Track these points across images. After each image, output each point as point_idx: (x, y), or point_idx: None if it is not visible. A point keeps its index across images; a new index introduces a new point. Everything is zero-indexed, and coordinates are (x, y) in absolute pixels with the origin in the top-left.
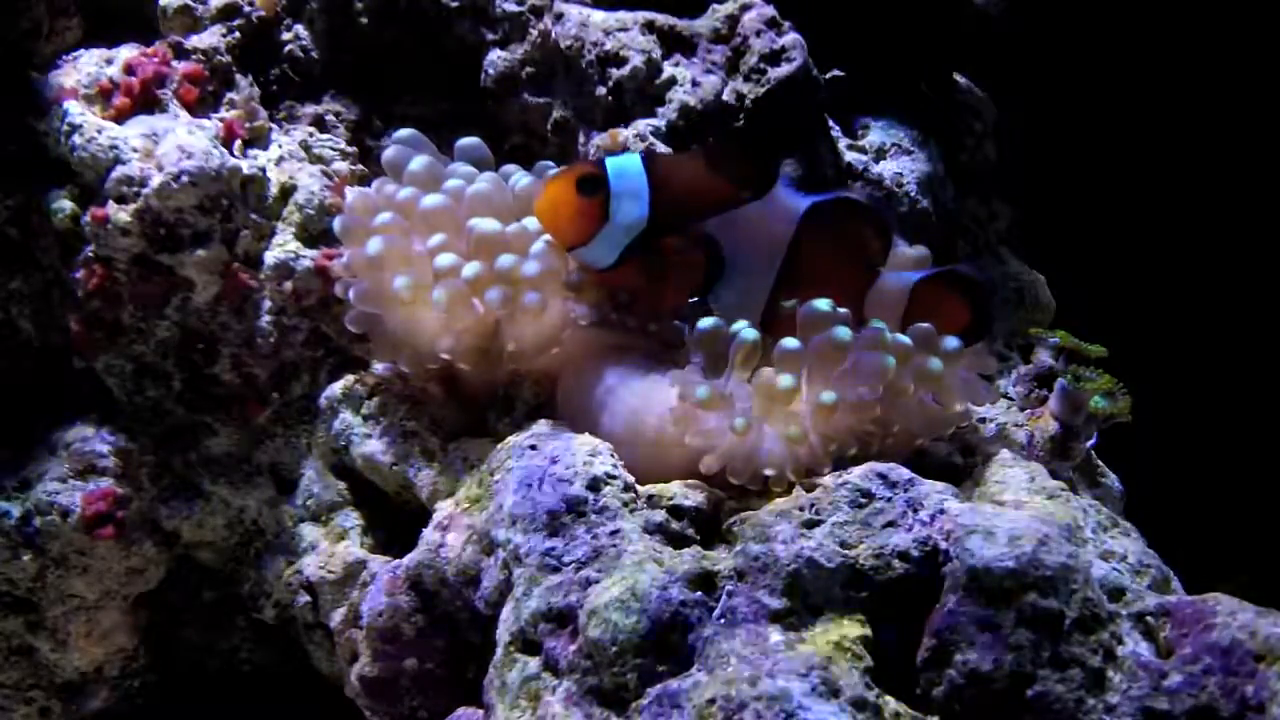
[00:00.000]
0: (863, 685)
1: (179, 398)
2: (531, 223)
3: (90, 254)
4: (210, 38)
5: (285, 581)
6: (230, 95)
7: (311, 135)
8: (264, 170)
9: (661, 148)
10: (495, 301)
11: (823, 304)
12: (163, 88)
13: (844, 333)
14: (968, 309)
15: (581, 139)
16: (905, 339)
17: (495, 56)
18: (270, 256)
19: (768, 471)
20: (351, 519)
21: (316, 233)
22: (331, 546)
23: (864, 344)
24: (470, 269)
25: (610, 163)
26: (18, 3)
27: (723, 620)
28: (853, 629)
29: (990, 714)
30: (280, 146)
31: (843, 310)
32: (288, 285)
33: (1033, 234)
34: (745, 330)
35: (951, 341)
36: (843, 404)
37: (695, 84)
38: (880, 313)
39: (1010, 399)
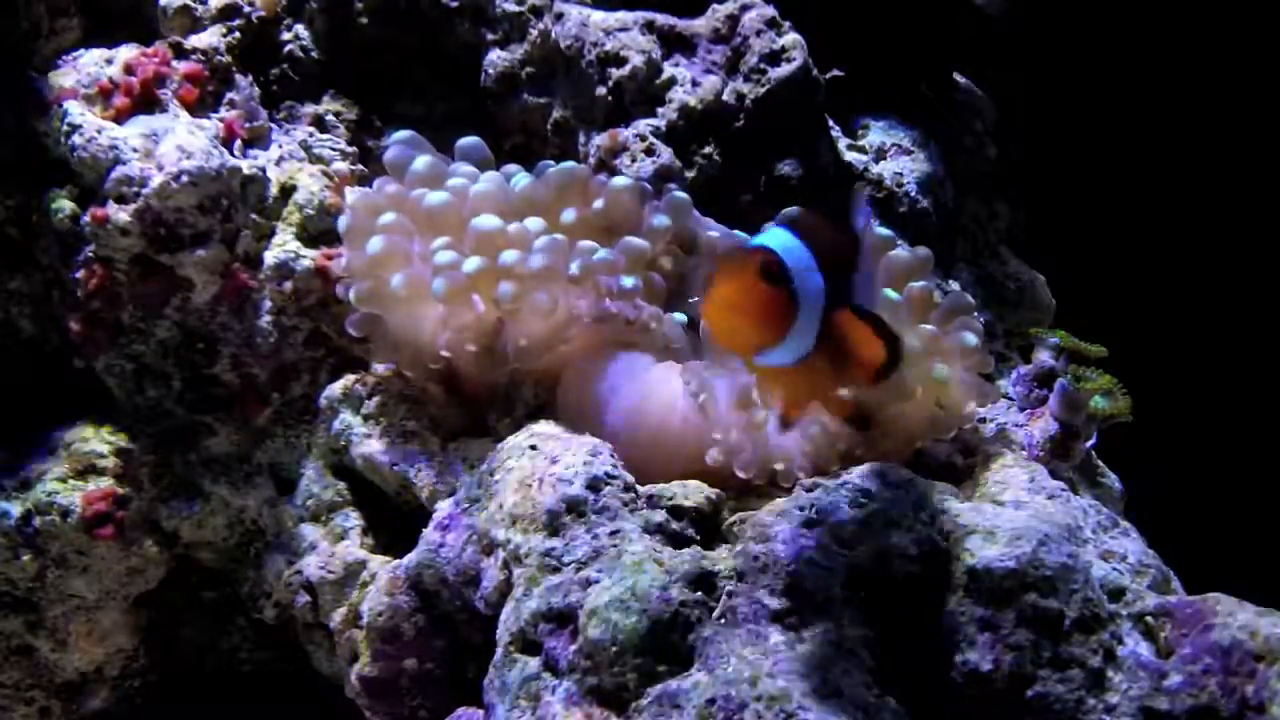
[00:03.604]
0: (862, 685)
1: (179, 398)
2: (532, 224)
3: (90, 254)
4: (210, 38)
5: (285, 581)
6: (230, 95)
7: (311, 135)
8: (264, 170)
9: (662, 148)
10: (506, 296)
11: None
12: (163, 88)
13: None
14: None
15: (581, 139)
16: (910, 340)
17: (495, 56)
18: (270, 256)
19: (778, 465)
20: (351, 519)
21: (316, 233)
22: (331, 546)
23: None
24: (471, 264)
25: (765, 239)
26: (18, 3)
27: (723, 620)
28: (853, 629)
29: (990, 714)
30: (280, 146)
31: None
32: (288, 285)
33: (1033, 234)
34: None
35: (966, 338)
36: (850, 399)
37: (695, 84)
38: None
39: (1010, 399)
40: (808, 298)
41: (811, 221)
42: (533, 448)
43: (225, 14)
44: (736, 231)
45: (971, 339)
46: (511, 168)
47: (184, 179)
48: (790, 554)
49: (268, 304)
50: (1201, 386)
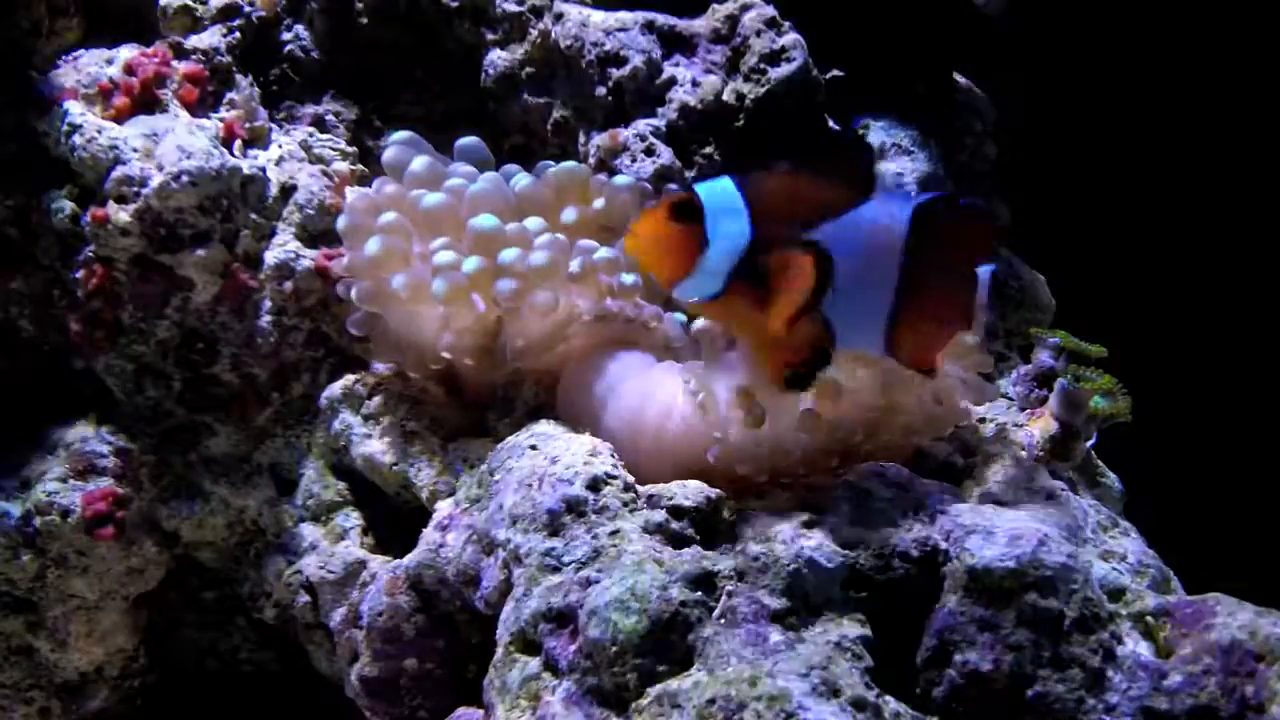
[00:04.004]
0: (863, 685)
1: (179, 398)
2: (532, 223)
3: (90, 254)
4: (210, 38)
5: (285, 581)
6: (230, 95)
7: (311, 135)
8: (264, 170)
9: (662, 148)
10: (504, 293)
11: None
12: (163, 88)
13: None
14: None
15: (581, 139)
16: None
17: (495, 56)
18: (270, 256)
19: (778, 463)
20: (351, 519)
21: (316, 233)
22: (331, 546)
23: None
24: (470, 264)
25: (701, 186)
26: (17, 2)
27: (723, 620)
28: (853, 629)
29: (990, 714)
30: (280, 146)
31: None
32: (288, 285)
33: (1033, 234)
34: None
35: (965, 337)
36: (848, 391)
37: (695, 84)
38: None
39: (1010, 399)
40: (718, 239)
41: (768, 176)
42: (533, 448)
43: (225, 14)
44: None
45: (971, 338)
46: (511, 168)
47: (184, 179)
48: (790, 554)
49: (268, 304)
50: (1201, 386)
